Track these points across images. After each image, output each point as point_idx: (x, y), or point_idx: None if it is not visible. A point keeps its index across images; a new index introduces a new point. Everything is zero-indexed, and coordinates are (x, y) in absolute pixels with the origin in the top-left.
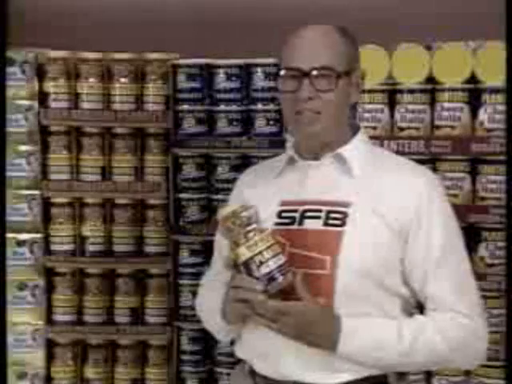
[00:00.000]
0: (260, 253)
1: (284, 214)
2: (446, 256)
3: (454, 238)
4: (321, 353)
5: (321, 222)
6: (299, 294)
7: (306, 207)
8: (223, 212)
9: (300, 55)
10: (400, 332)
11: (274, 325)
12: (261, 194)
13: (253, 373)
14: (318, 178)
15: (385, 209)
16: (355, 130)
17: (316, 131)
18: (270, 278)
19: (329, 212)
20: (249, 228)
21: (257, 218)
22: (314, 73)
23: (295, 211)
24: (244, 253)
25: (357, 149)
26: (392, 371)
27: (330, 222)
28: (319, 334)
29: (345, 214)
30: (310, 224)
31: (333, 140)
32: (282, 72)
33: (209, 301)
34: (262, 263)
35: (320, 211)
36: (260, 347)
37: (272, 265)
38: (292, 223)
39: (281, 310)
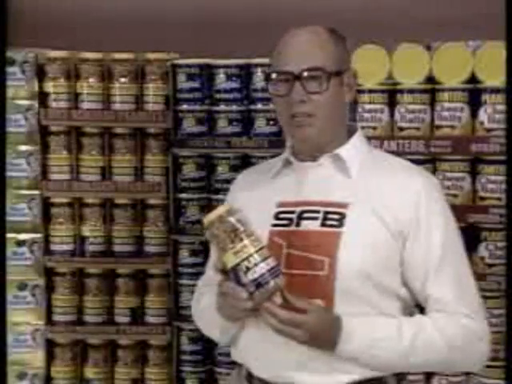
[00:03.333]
0: (246, 258)
1: (281, 216)
2: (445, 256)
3: (453, 238)
4: (320, 355)
5: (318, 222)
6: (290, 302)
7: (304, 208)
8: (209, 217)
9: (290, 58)
10: (400, 331)
11: (281, 329)
12: (257, 196)
13: (250, 376)
14: (316, 178)
15: (383, 209)
16: (353, 130)
17: (311, 134)
18: (258, 284)
19: (326, 213)
20: (235, 233)
21: (244, 222)
22: (305, 74)
23: (292, 212)
24: (230, 259)
25: (354, 149)
26: (392, 372)
27: (328, 222)
28: (324, 337)
29: (343, 215)
30: (307, 225)
31: (329, 141)
32: (273, 76)
33: (206, 301)
34: (248, 269)
35: (318, 212)
36: (257, 350)
37: (260, 270)
38: (289, 224)
39: (293, 322)
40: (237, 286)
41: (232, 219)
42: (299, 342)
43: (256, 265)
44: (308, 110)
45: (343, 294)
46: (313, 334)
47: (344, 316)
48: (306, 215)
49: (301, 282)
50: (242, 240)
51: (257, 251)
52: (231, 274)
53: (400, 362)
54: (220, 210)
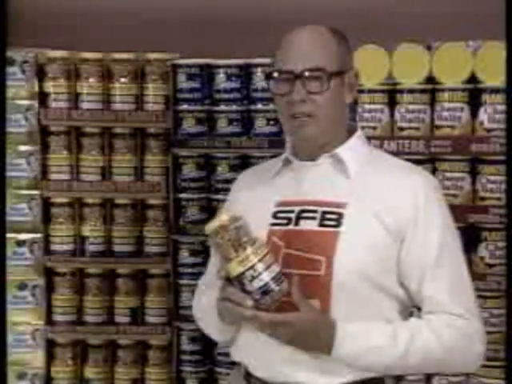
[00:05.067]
0: (252, 267)
1: (280, 215)
2: (442, 257)
3: (451, 238)
4: (317, 355)
5: (316, 222)
6: (295, 301)
7: (302, 208)
8: (211, 226)
9: (291, 57)
10: (395, 336)
11: (267, 330)
12: (257, 195)
13: (248, 375)
14: (315, 178)
15: (381, 209)
16: (352, 130)
17: (311, 134)
18: (264, 292)
19: (324, 213)
20: (238, 241)
21: (246, 229)
22: (306, 74)
23: (291, 212)
24: (235, 268)
25: (353, 149)
26: (388, 374)
27: (326, 222)
28: (315, 339)
29: (340, 215)
30: (305, 225)
31: (329, 141)
32: (275, 75)
33: (206, 304)
34: (254, 278)
35: (316, 212)
36: (255, 350)
37: (265, 278)
38: (288, 224)
39: (275, 323)
40: (241, 293)
41: (235, 228)
42: (284, 341)
43: (261, 273)
44: (308, 110)
45: (340, 294)
46: (298, 333)
47: (339, 321)
48: (304, 215)
49: (298, 281)
50: (245, 249)
51: (260, 259)
52: (236, 282)
53: (395, 366)
54: (222, 218)
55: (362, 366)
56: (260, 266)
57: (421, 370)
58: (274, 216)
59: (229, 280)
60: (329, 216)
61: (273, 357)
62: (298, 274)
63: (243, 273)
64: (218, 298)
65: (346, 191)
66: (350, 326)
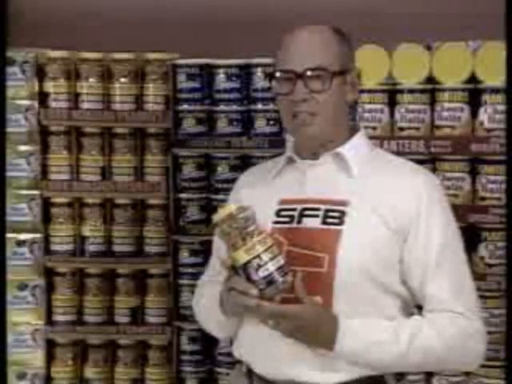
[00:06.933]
0: (258, 256)
1: (283, 213)
2: (444, 256)
3: (453, 238)
4: (318, 352)
5: (319, 220)
6: (298, 295)
7: (305, 206)
8: (220, 214)
9: (293, 57)
10: (397, 333)
11: (270, 322)
12: (260, 193)
13: (250, 373)
14: (317, 176)
15: (384, 208)
16: (355, 129)
17: (313, 132)
18: (269, 281)
19: (327, 211)
20: (246, 230)
21: (254, 220)
22: (308, 73)
23: (294, 210)
24: (242, 256)
25: (356, 148)
26: (390, 372)
27: (329, 220)
28: (317, 334)
29: (343, 213)
30: (308, 223)
31: (331, 140)
32: (277, 74)
33: (208, 298)
34: (260, 266)
35: (318, 210)
36: (257, 346)
37: (271, 268)
38: (291, 222)
39: (278, 314)
40: (246, 282)
41: (243, 217)
42: (286, 334)
43: (267, 263)
44: (310, 109)
45: (342, 292)
46: (300, 326)
47: (341, 317)
48: (307, 213)
49: (302, 280)
50: (252, 238)
51: (267, 249)
52: (241, 271)
53: (397, 363)
54: (231, 207)
55: (363, 363)
56: (266, 256)
57: (421, 367)
58: (277, 214)
59: (234, 269)
60: (331, 214)
61: (275, 353)
62: (300, 271)
63: (249, 261)
64: (222, 289)
65: (349, 190)
66: (352, 322)
